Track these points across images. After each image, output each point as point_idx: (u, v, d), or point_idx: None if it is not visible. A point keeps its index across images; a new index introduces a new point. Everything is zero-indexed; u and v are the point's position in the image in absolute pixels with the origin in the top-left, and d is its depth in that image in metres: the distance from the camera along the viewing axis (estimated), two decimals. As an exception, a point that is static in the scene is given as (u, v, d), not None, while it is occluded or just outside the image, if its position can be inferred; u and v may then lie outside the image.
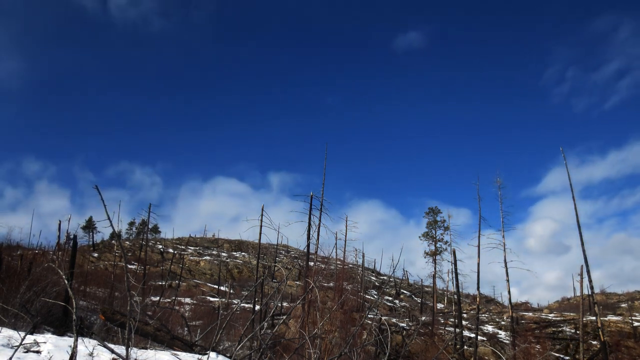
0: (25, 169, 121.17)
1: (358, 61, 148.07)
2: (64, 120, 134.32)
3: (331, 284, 20.03)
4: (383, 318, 26.89)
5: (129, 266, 42.58)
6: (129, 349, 5.71)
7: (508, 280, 24.71)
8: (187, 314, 27.69)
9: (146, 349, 7.64)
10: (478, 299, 27.89)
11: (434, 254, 42.81)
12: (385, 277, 62.17)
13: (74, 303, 5.62)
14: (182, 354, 7.57)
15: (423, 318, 34.12)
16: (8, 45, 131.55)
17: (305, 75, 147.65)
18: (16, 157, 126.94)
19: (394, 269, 42.05)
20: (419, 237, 45.22)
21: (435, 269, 41.41)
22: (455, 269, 27.17)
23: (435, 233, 44.23)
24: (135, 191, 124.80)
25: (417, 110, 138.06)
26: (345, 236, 29.88)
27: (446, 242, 42.49)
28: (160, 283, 42.13)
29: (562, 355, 27.24)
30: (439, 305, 43.95)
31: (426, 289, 54.02)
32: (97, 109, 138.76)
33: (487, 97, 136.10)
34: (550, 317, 35.29)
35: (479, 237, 25.52)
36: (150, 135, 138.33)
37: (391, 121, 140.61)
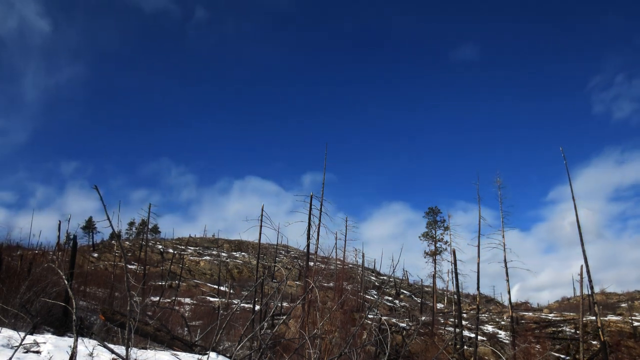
0: (63, 169, 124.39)
1: (364, 61, 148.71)
2: (112, 123, 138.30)
3: (331, 284, 20.03)
4: (383, 318, 26.89)
5: (129, 266, 42.57)
6: (129, 349, 5.71)
7: (508, 280, 24.72)
8: (187, 314, 27.69)
9: (146, 349, 7.65)
10: (478, 299, 27.90)
11: (434, 254, 42.84)
12: (385, 277, 62.15)
13: (74, 303, 5.62)
14: (182, 354, 7.57)
15: (423, 318, 34.11)
16: (76, 53, 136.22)
17: (305, 74, 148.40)
18: (59, 159, 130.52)
19: (394, 269, 42.09)
20: (419, 237, 45.30)
21: (435, 269, 41.47)
22: (455, 269, 27.18)
23: (435, 233, 44.28)
24: (168, 191, 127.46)
25: (429, 109, 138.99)
26: (345, 236, 29.92)
27: (446, 242, 42.54)
28: (160, 283, 42.12)
29: (562, 355, 27.24)
30: (439, 305, 43.95)
31: (426, 289, 54.01)
32: (143, 110, 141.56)
33: (527, 99, 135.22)
34: (550, 317, 35.29)
35: (479, 237, 25.55)
36: (189, 135, 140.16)
37: (396, 121, 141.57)
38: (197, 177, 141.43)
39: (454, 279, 27.59)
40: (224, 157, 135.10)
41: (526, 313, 38.91)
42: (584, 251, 22.14)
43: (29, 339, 6.94)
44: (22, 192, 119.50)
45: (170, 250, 57.28)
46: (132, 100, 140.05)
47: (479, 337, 26.80)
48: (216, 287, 45.73)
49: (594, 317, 24.49)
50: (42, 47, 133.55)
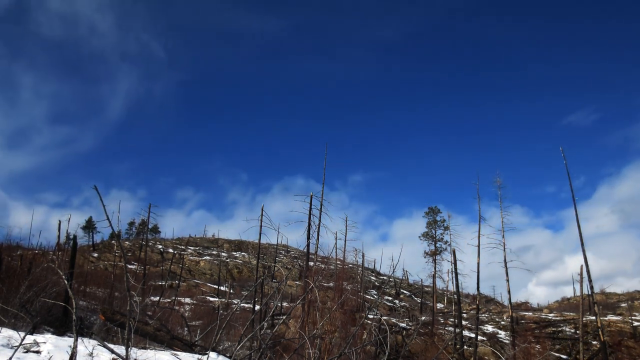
0: (118, 171, 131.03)
1: (359, 61, 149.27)
2: (185, 129, 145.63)
3: (331, 284, 20.02)
4: (383, 318, 26.88)
5: (129, 266, 42.57)
6: (129, 349, 5.71)
7: (508, 280, 24.72)
8: (187, 314, 27.69)
9: (146, 349, 7.65)
10: (478, 299, 27.91)
11: (433, 254, 42.81)
12: (385, 277, 62.16)
13: (73, 303, 5.62)
14: (182, 354, 7.57)
15: (423, 318, 34.11)
16: (176, 67, 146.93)
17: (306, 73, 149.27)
18: (121, 161, 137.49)
19: (393, 269, 42.02)
20: (419, 237, 45.26)
21: (435, 269, 41.44)
22: (455, 269, 27.18)
23: (435, 233, 44.25)
24: (215, 190, 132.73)
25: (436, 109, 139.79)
26: (345, 236, 29.83)
27: (446, 242, 42.52)
28: (160, 283, 42.12)
29: (562, 355, 27.24)
30: (439, 305, 43.95)
31: (426, 289, 54.02)
32: (216, 115, 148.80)
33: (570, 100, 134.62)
34: (550, 317, 35.30)
35: (478, 237, 25.54)
36: (250, 137, 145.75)
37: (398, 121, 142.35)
38: (249, 177, 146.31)
39: (454, 279, 27.61)
40: (275, 158, 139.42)
41: (526, 313, 38.92)
42: (583, 251, 22.17)
43: (29, 338, 6.94)
44: (70, 193, 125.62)
45: (170, 250, 57.27)
46: (211, 109, 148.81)
47: (479, 337, 26.79)
48: (216, 287, 45.72)
49: (594, 317, 24.49)
50: (145, 63, 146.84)
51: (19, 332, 7.51)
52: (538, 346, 24.85)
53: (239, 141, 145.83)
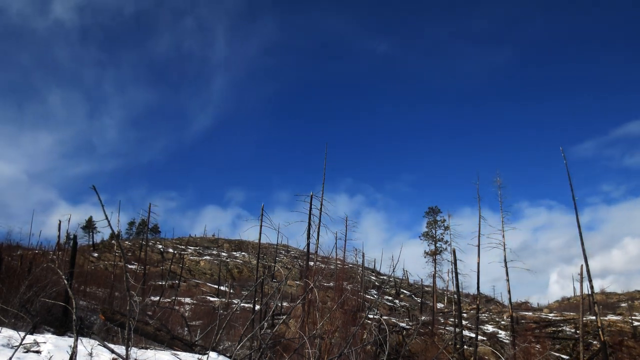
0: (166, 176, 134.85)
1: (356, 62, 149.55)
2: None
3: (331, 284, 20.02)
4: (383, 318, 26.87)
5: (129, 266, 42.58)
6: (129, 348, 5.71)
7: (508, 280, 24.71)
8: (187, 314, 27.68)
9: (146, 349, 7.65)
10: (478, 298, 27.91)
11: (434, 254, 42.82)
12: (385, 277, 62.15)
13: (73, 303, 5.62)
14: (182, 354, 7.57)
15: (423, 318, 34.11)
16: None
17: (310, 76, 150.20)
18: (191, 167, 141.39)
19: (393, 269, 41.97)
20: (419, 236, 45.26)
21: (435, 268, 41.44)
22: (455, 269, 27.17)
23: (435, 233, 44.26)
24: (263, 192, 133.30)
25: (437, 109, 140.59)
26: (345, 236, 29.80)
27: (446, 242, 42.53)
28: (160, 283, 42.11)
29: (562, 355, 27.24)
30: (439, 305, 43.94)
31: (426, 288, 54.02)
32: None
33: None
34: (550, 317, 35.29)
35: (479, 237, 25.53)
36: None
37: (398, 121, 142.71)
38: (299, 178, 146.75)
39: (454, 278, 27.61)
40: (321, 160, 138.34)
41: (526, 313, 38.91)
42: (583, 250, 22.15)
43: (29, 338, 6.94)
44: (122, 195, 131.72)
45: (171, 250, 57.26)
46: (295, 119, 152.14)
47: (479, 337, 26.79)
48: (216, 287, 45.73)
49: (594, 317, 24.48)
50: (244, 75, 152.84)
51: (19, 332, 7.51)
52: (538, 346, 24.84)
53: (299, 145, 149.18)
